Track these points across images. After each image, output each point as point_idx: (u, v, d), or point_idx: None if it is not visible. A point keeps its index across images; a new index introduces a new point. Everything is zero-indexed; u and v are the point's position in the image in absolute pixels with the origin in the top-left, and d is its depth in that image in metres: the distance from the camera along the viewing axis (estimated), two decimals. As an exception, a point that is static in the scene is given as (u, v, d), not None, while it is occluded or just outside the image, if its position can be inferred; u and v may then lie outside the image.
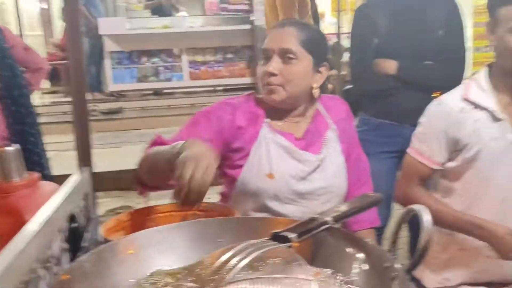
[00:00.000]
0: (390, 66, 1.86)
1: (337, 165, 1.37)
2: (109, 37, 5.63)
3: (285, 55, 1.29)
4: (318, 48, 1.34)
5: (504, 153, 1.30)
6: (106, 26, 5.57)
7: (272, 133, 1.33)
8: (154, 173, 1.15)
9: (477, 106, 1.33)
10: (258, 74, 1.33)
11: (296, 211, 1.32)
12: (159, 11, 6.41)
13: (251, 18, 5.73)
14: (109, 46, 5.67)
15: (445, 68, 1.86)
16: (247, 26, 5.70)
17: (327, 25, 7.46)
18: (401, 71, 1.85)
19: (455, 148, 1.36)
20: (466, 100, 1.34)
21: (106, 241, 0.96)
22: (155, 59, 5.81)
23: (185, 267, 0.76)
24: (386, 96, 1.90)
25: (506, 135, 1.30)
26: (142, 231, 0.82)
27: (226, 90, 6.00)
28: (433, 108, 1.40)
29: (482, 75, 1.35)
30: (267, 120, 1.34)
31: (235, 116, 1.32)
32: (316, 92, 1.35)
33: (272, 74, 1.28)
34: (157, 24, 5.80)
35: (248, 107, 1.35)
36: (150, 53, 5.79)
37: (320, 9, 8.75)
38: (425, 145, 1.40)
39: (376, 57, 1.89)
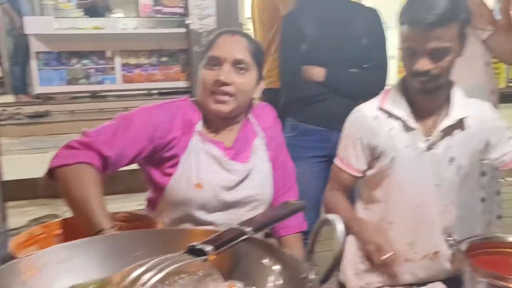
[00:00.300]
0: (317, 73, 1.90)
1: (264, 173, 1.37)
2: (36, 37, 5.35)
3: (238, 65, 1.28)
4: (262, 60, 1.37)
5: (416, 161, 1.34)
6: (32, 25, 5.29)
7: (203, 142, 1.31)
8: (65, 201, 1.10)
9: (391, 115, 1.36)
10: (204, 80, 1.29)
11: (221, 219, 1.31)
12: (92, 11, 6.18)
13: (187, 22, 5.67)
14: (36, 46, 5.38)
15: (369, 75, 1.92)
16: (182, 30, 5.62)
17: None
18: (328, 78, 1.89)
19: (373, 155, 1.39)
20: (381, 109, 1.38)
21: (13, 258, 0.90)
22: (86, 61, 5.59)
23: (94, 285, 0.72)
24: (314, 102, 1.93)
25: (418, 143, 1.34)
26: (48, 248, 0.77)
27: (161, 94, 5.88)
28: (350, 116, 1.43)
29: (398, 84, 1.39)
30: (199, 128, 1.32)
31: (172, 125, 1.28)
32: (255, 102, 1.39)
33: (225, 84, 1.26)
34: (88, 25, 5.59)
35: (184, 114, 1.32)
36: (80, 55, 5.56)
37: (256, 15, 8.86)
38: (345, 152, 1.43)
39: (304, 64, 1.91)
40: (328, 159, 1.62)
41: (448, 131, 1.33)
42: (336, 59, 1.89)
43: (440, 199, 1.36)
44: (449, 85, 1.35)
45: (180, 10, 5.87)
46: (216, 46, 1.30)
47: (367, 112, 1.39)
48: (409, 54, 1.27)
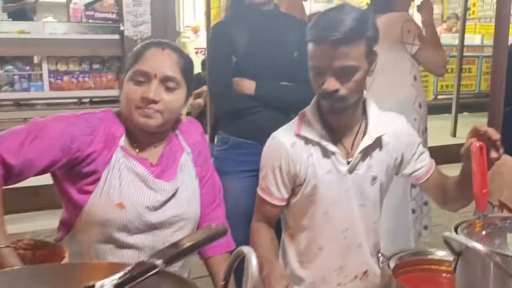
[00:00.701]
0: (248, 85, 1.85)
1: (192, 190, 1.31)
2: (-48, 40, 4.96)
3: (167, 83, 1.21)
4: (192, 76, 1.30)
5: (339, 185, 1.31)
6: (-52, 27, 4.91)
7: (126, 158, 1.22)
8: None
9: (308, 140, 1.32)
10: (130, 96, 1.21)
11: (145, 241, 1.22)
12: (20, 15, 5.82)
13: (121, 28, 5.50)
14: (-48, 50, 5.00)
15: (300, 89, 1.89)
16: (116, 36, 5.45)
17: (202, 40, 7.46)
18: (259, 91, 1.85)
19: (295, 183, 1.34)
20: (298, 135, 1.33)
21: None
22: (9, 67, 5.24)
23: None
24: (245, 115, 1.88)
25: (339, 167, 1.30)
26: None
27: (93, 103, 5.64)
28: (267, 144, 1.38)
29: (312, 107, 1.34)
30: (122, 143, 1.23)
31: (93, 138, 1.18)
32: (183, 118, 1.32)
33: (153, 102, 1.19)
34: (12, 28, 5.27)
35: (107, 127, 1.22)
36: (3, 60, 5.21)
37: (194, 23, 8.78)
38: (265, 181, 1.37)
39: (235, 76, 1.86)
40: (259, 173, 1.57)
41: (367, 151, 1.31)
42: (267, 71, 1.84)
43: (366, 219, 1.34)
44: (363, 102, 1.33)
45: (113, 16, 5.68)
46: (144, 59, 1.22)
47: (283, 139, 1.33)
48: (317, 74, 1.24)
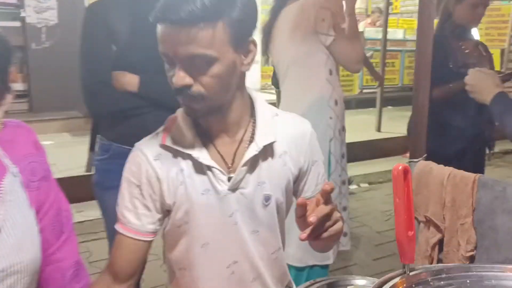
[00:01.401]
0: (130, 81, 1.54)
1: (25, 227, 0.93)
2: None
3: None
4: (7, 64, 0.94)
5: (219, 208, 1.03)
6: None
7: None
8: None
9: (178, 153, 1.03)
10: None
11: None
12: None
13: (22, 15, 5.03)
14: None
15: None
16: (17, 23, 4.94)
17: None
18: (143, 88, 1.55)
19: (162, 208, 1.05)
20: (164, 145, 1.04)
21: None
22: None
23: None
24: (128, 117, 1.58)
25: (217, 186, 1.03)
26: None
27: (-8, 98, 5.07)
28: (128, 157, 1.07)
29: (182, 112, 1.05)
30: None
31: None
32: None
33: None
34: None
35: None
36: None
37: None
38: (121, 206, 1.06)
39: (114, 70, 1.54)
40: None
41: (254, 164, 1.04)
42: (154, 64, 1.51)
43: (262, 248, 1.08)
44: (245, 102, 1.06)
45: (14, 1, 5.18)
46: None
47: (146, 150, 1.04)
48: (167, 63, 0.97)
